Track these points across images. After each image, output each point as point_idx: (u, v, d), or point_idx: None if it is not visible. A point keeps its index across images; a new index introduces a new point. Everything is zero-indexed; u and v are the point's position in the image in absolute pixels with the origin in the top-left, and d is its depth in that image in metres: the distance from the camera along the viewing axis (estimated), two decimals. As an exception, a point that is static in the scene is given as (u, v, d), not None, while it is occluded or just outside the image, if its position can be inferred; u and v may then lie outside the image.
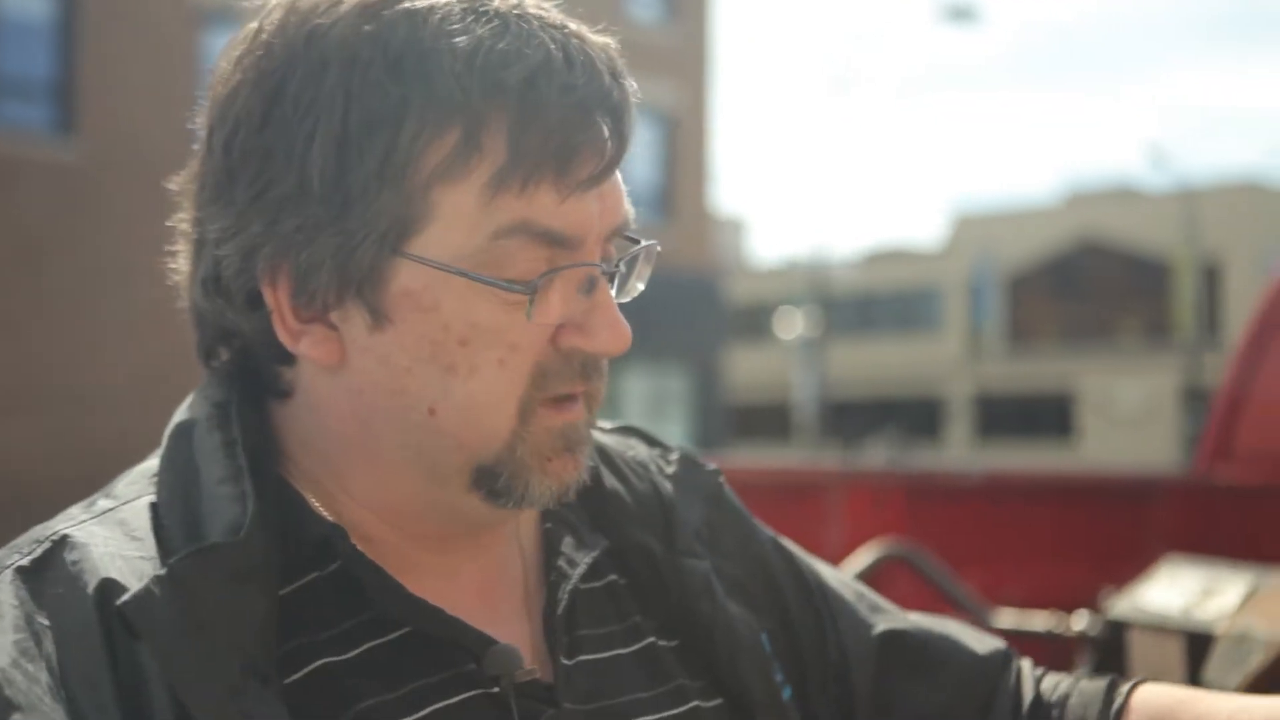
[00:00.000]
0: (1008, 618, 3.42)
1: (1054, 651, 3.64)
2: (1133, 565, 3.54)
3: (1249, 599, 3.29)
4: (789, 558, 1.26)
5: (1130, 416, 38.17)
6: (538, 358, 1.00)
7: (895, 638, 1.25)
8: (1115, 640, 3.27)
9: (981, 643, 1.29)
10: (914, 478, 4.38)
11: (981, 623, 3.43)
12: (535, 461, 1.01)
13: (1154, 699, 1.21)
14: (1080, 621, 3.37)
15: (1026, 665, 1.30)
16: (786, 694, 1.16)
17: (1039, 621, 3.42)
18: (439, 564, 1.06)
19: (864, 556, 3.31)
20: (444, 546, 1.06)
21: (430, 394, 0.99)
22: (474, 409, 0.99)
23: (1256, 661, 3.13)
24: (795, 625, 1.22)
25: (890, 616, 1.28)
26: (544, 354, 1.01)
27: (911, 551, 3.42)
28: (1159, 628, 3.25)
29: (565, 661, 1.05)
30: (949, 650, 1.26)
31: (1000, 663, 1.28)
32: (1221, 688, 3.10)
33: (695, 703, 1.10)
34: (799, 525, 3.81)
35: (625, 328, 1.03)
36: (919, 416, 43.01)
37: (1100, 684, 1.25)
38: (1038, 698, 1.26)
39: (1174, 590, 3.33)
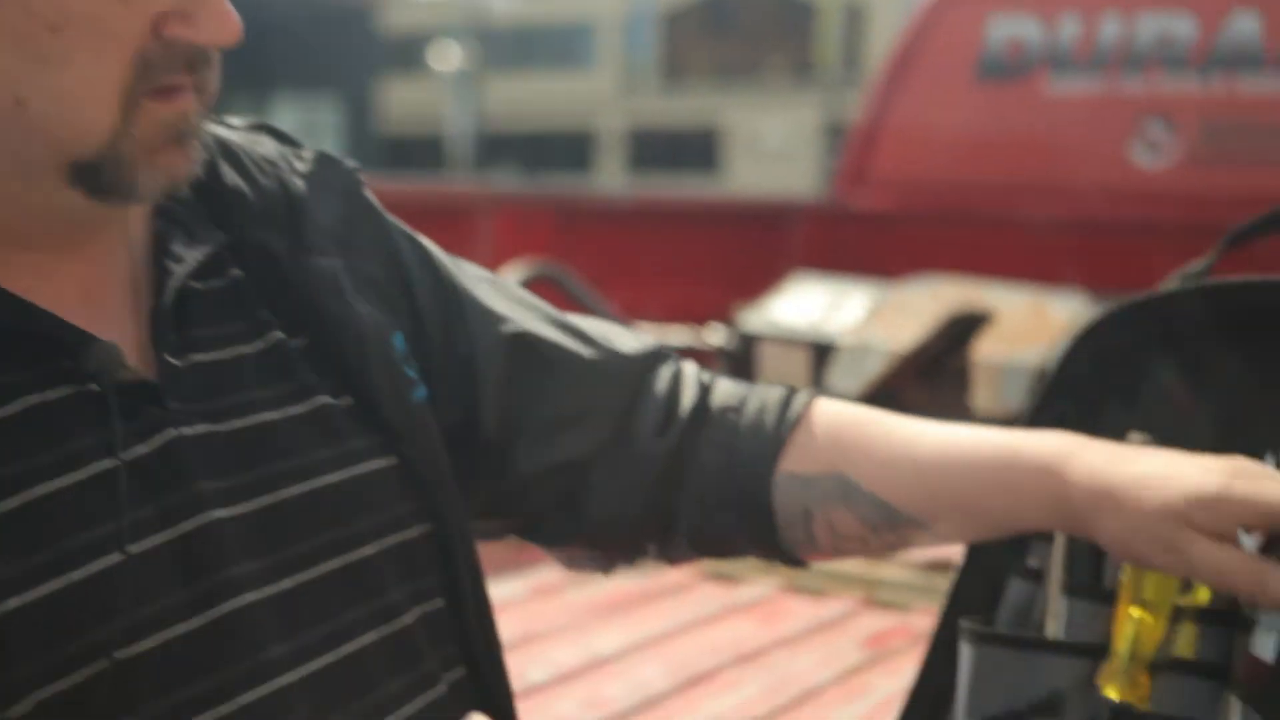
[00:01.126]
0: (647, 332, 3.51)
1: (690, 364, 3.79)
2: (768, 284, 3.69)
3: (871, 313, 3.49)
4: (424, 253, 1.24)
5: (774, 150, 39.31)
6: (138, 48, 0.93)
7: (529, 336, 1.23)
8: (746, 352, 3.43)
9: (632, 343, 1.27)
10: (563, 201, 4.42)
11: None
12: (142, 155, 0.95)
13: (832, 413, 1.22)
14: (715, 335, 3.52)
15: (690, 369, 1.28)
16: (420, 395, 1.14)
17: (675, 336, 3.55)
18: (34, 262, 0.99)
19: (510, 276, 3.34)
20: (40, 245, 0.99)
21: (18, 85, 0.91)
22: (69, 101, 0.92)
23: (875, 369, 3.35)
24: (427, 322, 1.20)
25: (534, 315, 1.26)
26: (145, 44, 0.93)
27: (556, 271, 3.48)
28: (787, 340, 3.42)
29: (172, 360, 1.01)
30: (592, 346, 1.25)
31: (649, 361, 1.26)
32: (843, 394, 3.29)
33: (322, 399, 1.08)
34: (447, 247, 3.80)
35: (234, 18, 0.96)
36: (573, 149, 43.21)
37: (779, 391, 1.24)
38: (703, 401, 1.24)
39: (802, 305, 3.51)
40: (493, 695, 1.14)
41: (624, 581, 3.09)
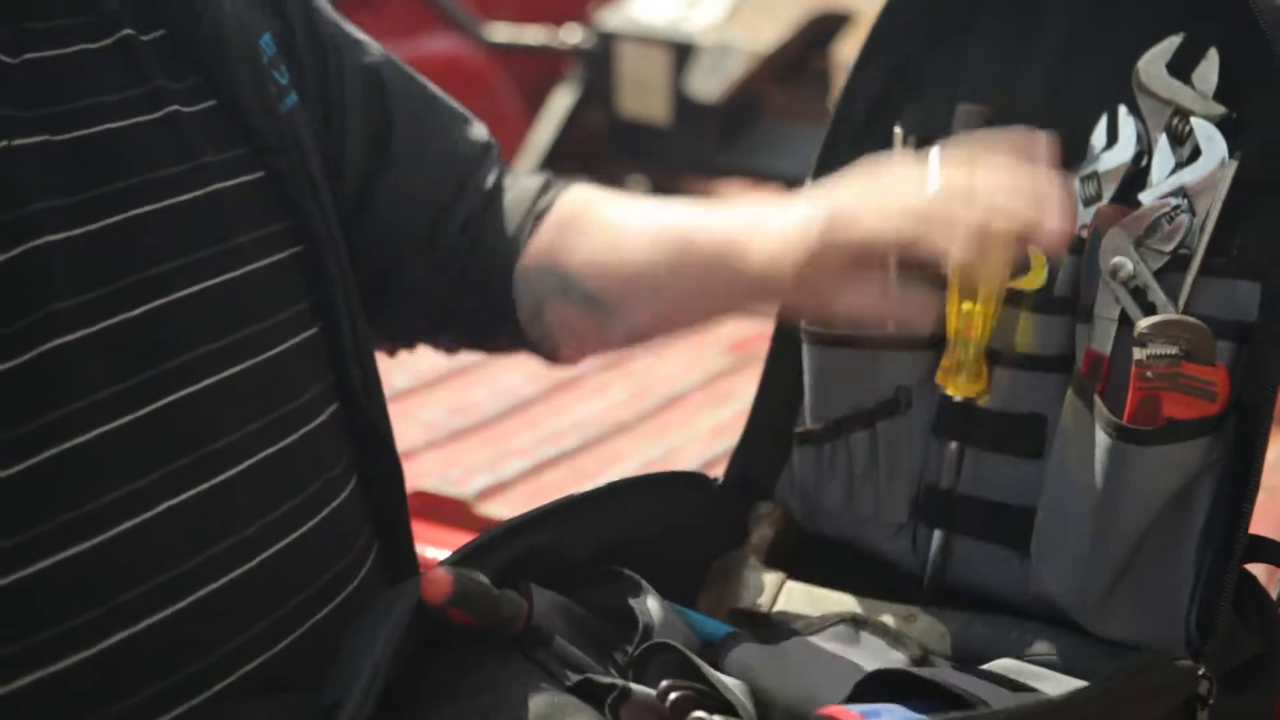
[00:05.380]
0: (502, 32, 3.42)
1: (546, 66, 3.70)
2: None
3: (732, 12, 3.42)
4: None
5: None
6: None
7: (386, 84, 1.17)
8: (605, 52, 3.35)
9: (475, 131, 1.23)
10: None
11: (475, 37, 3.42)
12: None
13: (570, 202, 1.19)
14: (572, 34, 3.42)
15: (493, 158, 1.24)
16: (291, 102, 1.06)
17: (532, 35, 3.45)
18: None
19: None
20: None
21: None
22: None
23: (736, 70, 3.30)
24: (296, 28, 1.11)
25: (389, 68, 1.19)
26: None
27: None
28: (646, 39, 3.35)
29: (7, 60, 0.91)
30: (437, 117, 1.21)
31: (484, 150, 1.22)
32: (705, 95, 3.25)
33: (174, 107, 0.98)
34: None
35: None
36: None
37: (536, 183, 1.22)
38: (497, 185, 1.22)
39: (661, 3, 3.42)
40: (370, 419, 1.10)
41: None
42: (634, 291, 1.12)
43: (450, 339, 1.26)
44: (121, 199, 0.93)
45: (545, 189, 1.20)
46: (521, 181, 1.21)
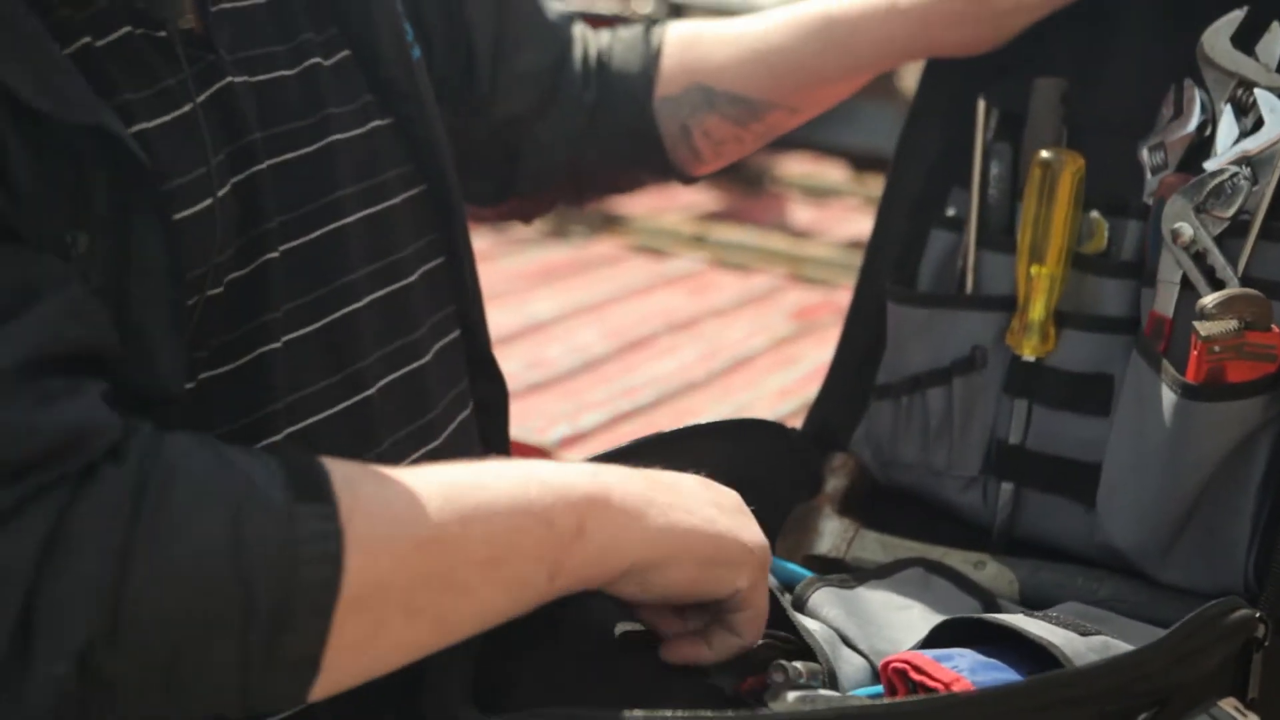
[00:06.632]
0: (575, 2, 3.46)
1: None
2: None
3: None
4: None
5: None
6: None
7: None
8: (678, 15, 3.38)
9: (550, 10, 1.32)
10: None
11: None
12: None
13: (682, 32, 1.30)
14: (643, 5, 3.46)
15: (584, 27, 1.34)
16: (418, 53, 1.14)
17: (604, 5, 3.49)
18: None
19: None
20: None
21: None
22: None
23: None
24: None
25: None
26: None
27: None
28: (715, 9, 3.38)
29: (210, 8, 0.98)
30: (529, 10, 1.30)
31: (569, 20, 1.32)
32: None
33: (316, 59, 1.06)
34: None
35: None
36: None
37: (637, 28, 1.32)
38: (596, 50, 1.31)
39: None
40: (483, 350, 1.17)
41: (555, 252, 3.13)
42: (781, 73, 1.24)
43: (594, 189, 1.38)
44: (306, 134, 1.02)
45: (649, 28, 1.31)
46: (621, 33, 1.32)
